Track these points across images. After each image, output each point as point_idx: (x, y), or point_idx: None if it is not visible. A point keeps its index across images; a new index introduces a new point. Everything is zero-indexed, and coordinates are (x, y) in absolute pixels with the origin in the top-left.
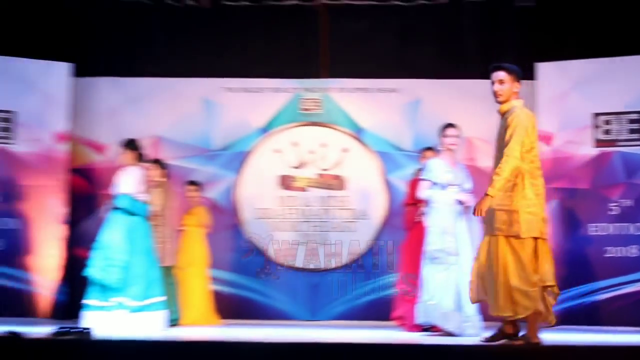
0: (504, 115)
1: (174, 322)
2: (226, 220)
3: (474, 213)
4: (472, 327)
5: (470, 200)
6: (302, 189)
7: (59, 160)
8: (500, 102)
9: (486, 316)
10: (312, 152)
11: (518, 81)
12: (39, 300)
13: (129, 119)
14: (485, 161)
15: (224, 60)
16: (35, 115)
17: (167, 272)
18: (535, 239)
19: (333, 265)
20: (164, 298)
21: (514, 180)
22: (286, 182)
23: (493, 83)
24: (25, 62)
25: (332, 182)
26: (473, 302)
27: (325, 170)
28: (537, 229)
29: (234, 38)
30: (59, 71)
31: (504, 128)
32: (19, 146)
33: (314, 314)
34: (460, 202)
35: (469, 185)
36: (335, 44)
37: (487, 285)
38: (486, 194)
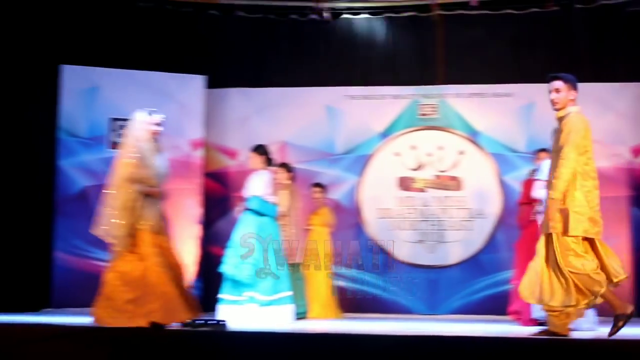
0: (560, 121)
1: (300, 316)
2: (349, 219)
3: (548, 220)
4: (587, 321)
5: None
6: (421, 190)
7: (195, 165)
8: (557, 110)
9: (601, 311)
10: (429, 155)
11: (574, 89)
12: None
13: (258, 126)
14: (598, 162)
15: (345, 70)
16: (173, 124)
17: (294, 269)
18: (586, 239)
19: (451, 262)
20: (291, 293)
21: None
22: (405, 184)
23: (550, 92)
24: (165, 76)
25: (449, 183)
26: (524, 299)
27: (442, 171)
28: (581, 227)
29: (355, 48)
30: (195, 83)
31: (559, 133)
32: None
33: (432, 309)
34: None
35: None
36: (451, 52)
37: (552, 282)
38: (550, 198)
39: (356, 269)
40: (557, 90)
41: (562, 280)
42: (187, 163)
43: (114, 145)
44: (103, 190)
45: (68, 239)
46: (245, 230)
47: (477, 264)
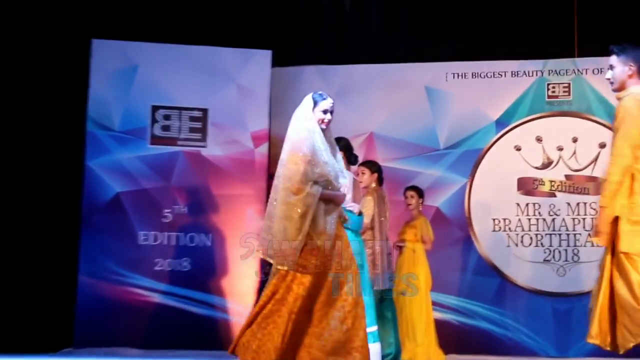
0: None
1: (390, 357)
2: (454, 233)
3: (593, 235)
4: None
5: None
6: (549, 195)
7: (257, 164)
8: (614, 90)
9: None
10: (560, 149)
11: (633, 62)
12: (232, 330)
13: (338, 114)
14: None
15: (451, 41)
16: (229, 113)
17: (382, 297)
18: None
19: (587, 288)
20: (376, 328)
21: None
22: (529, 186)
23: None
24: (220, 52)
25: (587, 186)
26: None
27: (577, 171)
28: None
29: (462, 13)
30: (258, 60)
31: (614, 122)
32: (211, 149)
33: (562, 350)
34: None
35: None
36: (589, 14)
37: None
38: (600, 205)
39: (462, 297)
40: (611, 67)
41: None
42: (247, 162)
43: (156, 140)
44: (271, 197)
45: (96, 260)
46: None
47: None
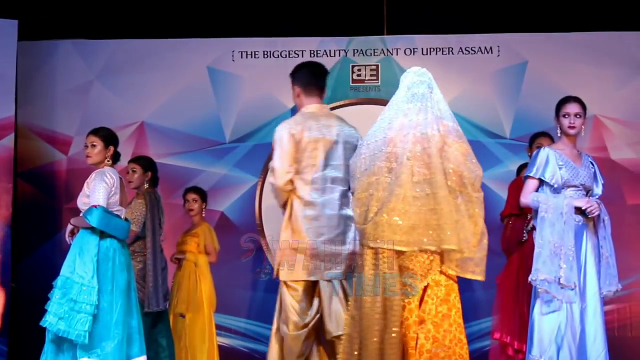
0: None
1: None
2: (243, 243)
3: None
4: None
5: (597, 209)
6: None
7: (0, 161)
8: None
9: None
10: (367, 143)
11: (298, 84)
12: None
13: (103, 99)
14: (623, 151)
15: (238, 13)
16: None
17: (156, 320)
18: None
19: None
20: (145, 358)
21: None
22: None
23: None
24: None
25: None
26: None
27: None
28: None
29: None
30: (0, 32)
31: None
32: None
33: None
34: (583, 212)
35: (596, 186)
36: None
37: None
38: None
39: (252, 319)
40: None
41: None
42: None
43: None
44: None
45: None
46: (79, 261)
47: None
